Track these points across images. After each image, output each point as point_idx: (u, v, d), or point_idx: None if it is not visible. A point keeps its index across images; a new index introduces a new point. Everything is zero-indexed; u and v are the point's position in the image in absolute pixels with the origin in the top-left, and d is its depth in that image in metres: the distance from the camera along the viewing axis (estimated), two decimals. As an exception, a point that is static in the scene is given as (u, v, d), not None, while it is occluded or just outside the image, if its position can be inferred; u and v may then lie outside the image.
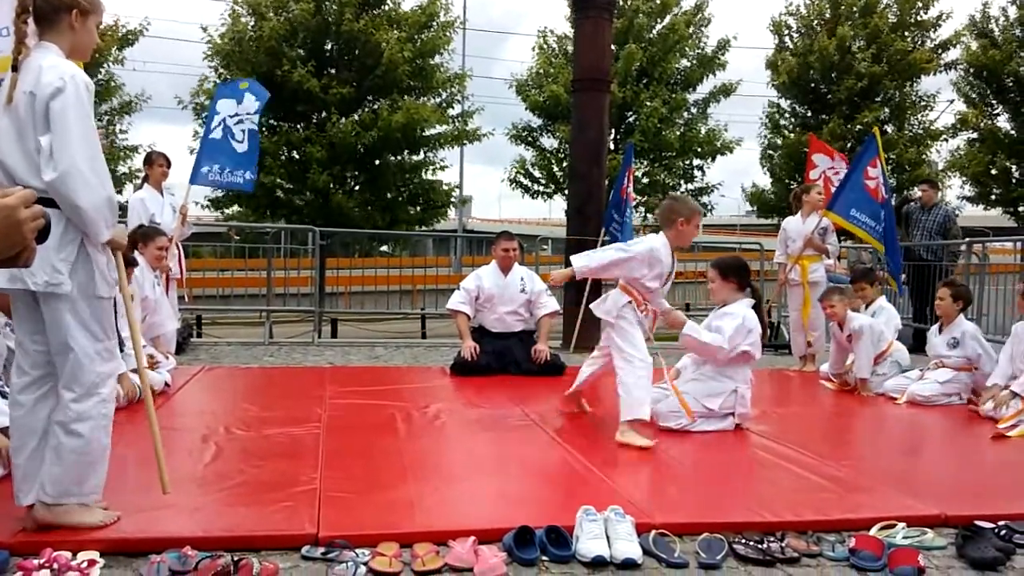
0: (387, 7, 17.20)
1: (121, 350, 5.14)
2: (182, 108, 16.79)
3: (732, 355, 5.03)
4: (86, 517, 2.95)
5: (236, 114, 8.05)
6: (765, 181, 22.60)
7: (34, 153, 2.82)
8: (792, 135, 21.46)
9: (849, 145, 18.77)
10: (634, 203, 9.47)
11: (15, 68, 2.87)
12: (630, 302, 4.87)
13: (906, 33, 20.97)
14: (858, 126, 20.15)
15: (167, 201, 7.63)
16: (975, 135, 21.41)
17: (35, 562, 2.65)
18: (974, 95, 21.20)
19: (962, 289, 6.64)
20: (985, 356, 6.21)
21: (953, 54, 21.23)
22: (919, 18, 21.21)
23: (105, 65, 16.28)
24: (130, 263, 5.48)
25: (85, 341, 2.92)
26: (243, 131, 8.04)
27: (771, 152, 22.01)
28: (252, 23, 16.36)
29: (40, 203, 2.59)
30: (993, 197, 21.83)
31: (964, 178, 21.90)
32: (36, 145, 2.81)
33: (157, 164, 7.63)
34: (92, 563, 2.70)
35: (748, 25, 25.06)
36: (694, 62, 21.37)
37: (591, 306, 5.30)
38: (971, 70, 20.87)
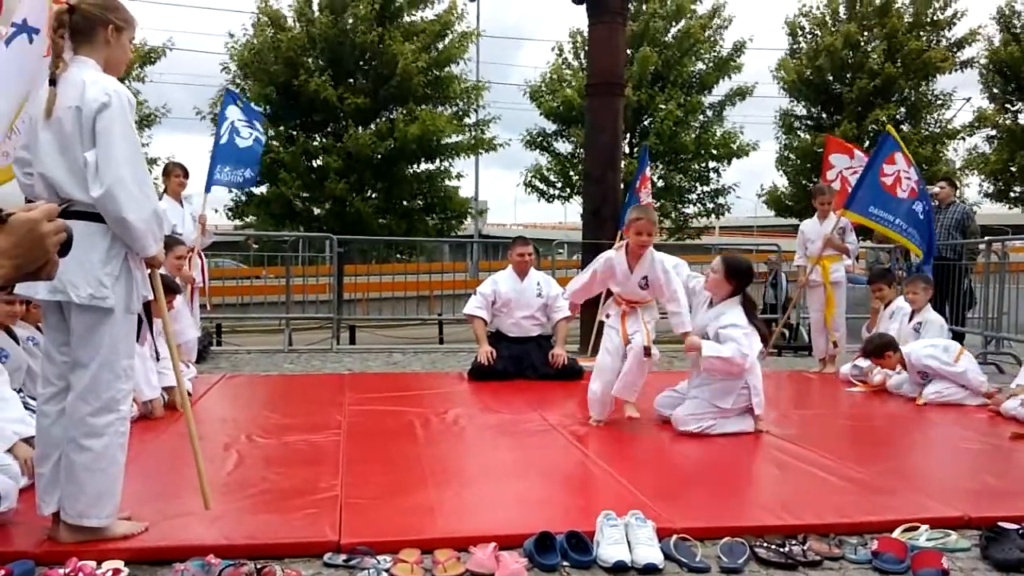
0: (404, 20, 17.26)
1: (157, 359, 5.22)
2: (201, 119, 16.95)
3: (751, 363, 4.99)
4: (110, 532, 2.96)
5: (243, 119, 8.21)
6: (782, 181, 22.56)
7: (80, 167, 2.85)
8: (807, 136, 21.38)
9: (866, 145, 18.69)
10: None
11: (52, 82, 2.90)
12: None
13: (921, 32, 20.85)
14: (871, 125, 20.05)
15: (187, 211, 7.69)
16: (994, 132, 21.24)
17: (60, 571, 2.68)
18: (996, 90, 21.04)
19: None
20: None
21: (969, 52, 21.11)
22: (936, 17, 21.09)
23: (127, 82, 16.41)
24: (173, 289, 5.51)
25: (114, 356, 2.93)
26: (250, 133, 8.23)
27: (787, 155, 21.92)
28: (272, 33, 16.46)
29: (75, 216, 2.64)
30: (1013, 195, 21.65)
31: (983, 176, 21.72)
32: (83, 160, 2.84)
33: (174, 175, 7.69)
34: (116, 572, 2.72)
35: (764, 26, 24.99)
36: (710, 65, 21.33)
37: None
38: (991, 66, 20.71)
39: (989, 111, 20.84)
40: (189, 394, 5.80)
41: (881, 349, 6.43)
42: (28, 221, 1.47)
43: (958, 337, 8.00)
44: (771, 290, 13.32)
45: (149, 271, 3.12)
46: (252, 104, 8.68)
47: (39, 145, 2.91)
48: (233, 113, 8.23)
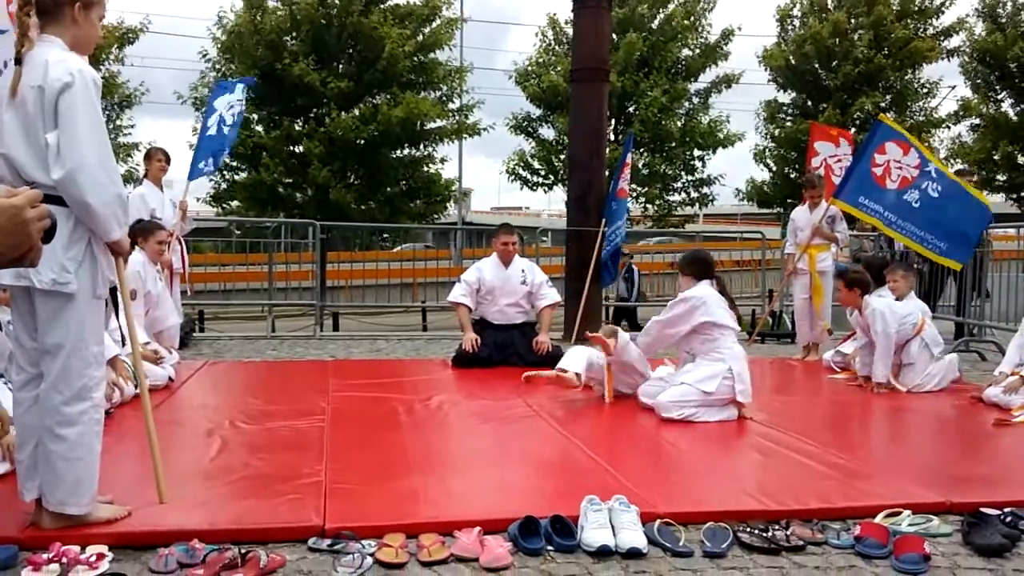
0: (392, 2, 17.15)
1: (123, 345, 5.15)
2: (181, 103, 16.81)
3: (673, 328, 5.23)
4: (93, 517, 2.94)
5: (230, 105, 8.20)
6: (763, 175, 22.59)
7: (43, 148, 2.78)
8: (791, 124, 21.43)
9: (852, 131, 18.77)
10: (628, 198, 9.37)
11: (18, 61, 2.83)
12: None
13: (908, 21, 20.92)
14: (856, 113, 20.13)
15: (167, 196, 7.63)
16: (978, 121, 21.38)
17: (44, 556, 2.66)
18: (979, 80, 21.17)
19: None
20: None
21: (955, 41, 21.22)
22: (924, 5, 21.16)
23: (105, 63, 16.22)
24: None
25: (82, 342, 2.88)
26: (232, 115, 8.25)
27: (768, 147, 21.95)
28: (258, 15, 16.30)
29: (47, 201, 2.59)
30: (996, 183, 21.81)
31: (967, 165, 21.86)
32: (45, 141, 2.78)
33: (156, 160, 7.63)
34: (100, 557, 2.70)
35: (751, 13, 25.07)
36: (696, 52, 21.31)
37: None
38: (975, 55, 20.83)
39: (973, 101, 20.96)
40: (171, 380, 5.83)
41: (854, 283, 6.37)
42: (11, 207, 1.45)
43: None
44: (624, 283, 13.39)
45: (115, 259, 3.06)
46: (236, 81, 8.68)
47: (3, 126, 2.84)
48: (222, 104, 8.20)
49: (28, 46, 2.86)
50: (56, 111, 2.77)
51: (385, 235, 18.92)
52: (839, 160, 8.95)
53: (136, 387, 5.16)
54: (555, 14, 21.37)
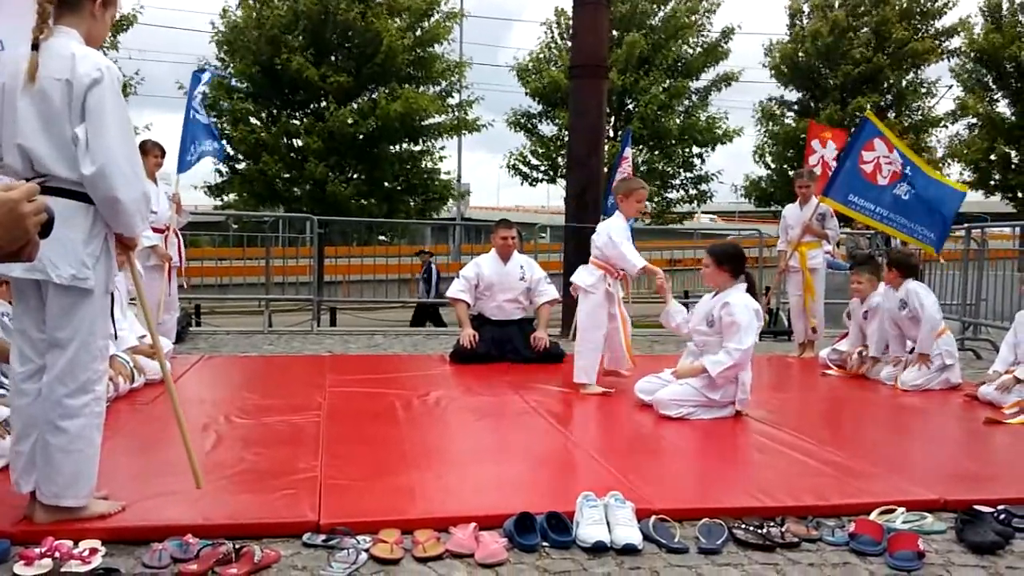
0: None
1: (115, 338, 5.15)
2: (184, 94, 16.74)
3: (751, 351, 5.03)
4: (87, 512, 2.93)
5: (200, 93, 8.32)
6: (762, 171, 22.58)
7: (66, 142, 2.77)
8: (791, 123, 21.42)
9: (852, 131, 18.75)
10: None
11: (35, 47, 2.80)
12: (604, 275, 5.84)
13: (910, 22, 20.91)
14: (855, 112, 20.14)
15: (162, 190, 7.61)
16: (975, 121, 21.40)
17: (36, 551, 2.65)
18: (972, 82, 21.19)
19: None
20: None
21: (956, 42, 21.23)
22: (927, 8, 21.16)
23: (100, 50, 16.17)
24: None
25: (91, 336, 2.88)
26: (201, 104, 8.35)
27: (768, 143, 21.95)
28: (257, 9, 16.26)
29: (53, 192, 2.57)
30: (992, 183, 21.84)
31: (963, 164, 21.89)
32: (71, 136, 2.76)
33: (152, 155, 7.59)
34: (94, 551, 2.70)
35: (752, 12, 24.96)
36: (697, 50, 21.28)
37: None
38: (971, 55, 20.84)
39: (970, 100, 20.98)
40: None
41: (861, 263, 6.45)
42: (8, 201, 1.44)
43: None
44: (423, 284, 13.42)
45: (124, 252, 3.07)
46: (206, 73, 8.84)
47: (17, 113, 2.80)
48: (197, 93, 8.31)
49: (46, 34, 2.83)
50: (84, 106, 2.76)
51: (383, 235, 18.88)
52: (836, 158, 8.96)
53: (132, 383, 5.20)
54: (562, 8, 21.29)
